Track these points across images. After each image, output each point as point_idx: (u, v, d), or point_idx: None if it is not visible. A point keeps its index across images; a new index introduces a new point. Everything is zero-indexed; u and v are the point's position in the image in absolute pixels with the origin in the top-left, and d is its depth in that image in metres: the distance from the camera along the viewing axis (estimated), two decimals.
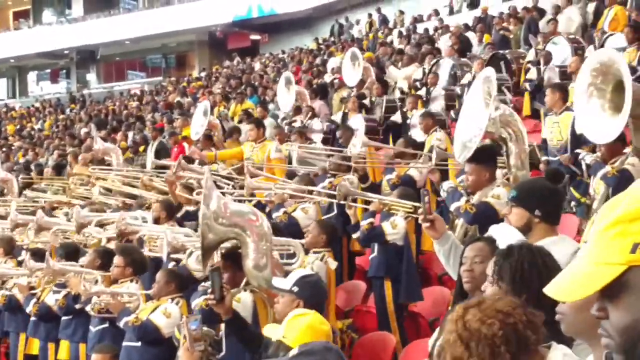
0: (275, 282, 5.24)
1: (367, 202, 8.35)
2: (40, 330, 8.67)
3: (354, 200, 8.42)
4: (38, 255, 8.92)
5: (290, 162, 11.71)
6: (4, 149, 25.45)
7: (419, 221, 5.40)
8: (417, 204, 7.54)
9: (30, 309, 8.52)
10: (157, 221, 8.88)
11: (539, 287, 3.15)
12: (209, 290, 5.59)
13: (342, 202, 8.32)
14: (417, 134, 11.93)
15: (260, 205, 9.31)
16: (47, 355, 8.64)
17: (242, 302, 5.98)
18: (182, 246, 7.40)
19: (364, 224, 8.01)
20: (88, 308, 7.45)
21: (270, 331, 4.80)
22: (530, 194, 4.55)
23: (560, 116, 9.41)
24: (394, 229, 7.88)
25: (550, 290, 1.83)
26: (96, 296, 7.40)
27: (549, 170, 5.54)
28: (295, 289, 4.92)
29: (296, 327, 3.84)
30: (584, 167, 8.39)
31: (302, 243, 7.35)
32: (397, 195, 7.99)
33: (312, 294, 4.89)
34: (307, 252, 7.44)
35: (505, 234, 4.12)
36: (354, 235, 8.33)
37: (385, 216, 8.17)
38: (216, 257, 6.56)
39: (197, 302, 6.13)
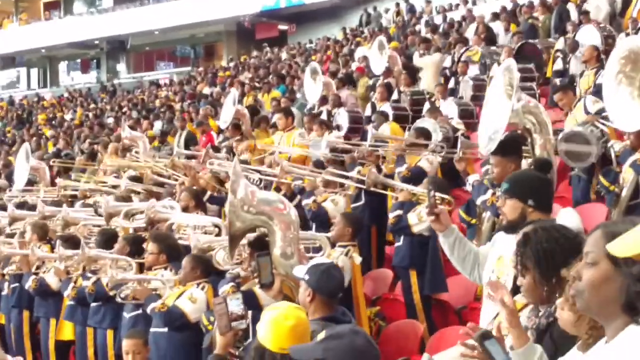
0: (295, 270, 5.18)
1: None
2: (77, 314, 8.69)
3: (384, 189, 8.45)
4: (70, 242, 9.01)
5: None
6: (35, 138, 25.64)
7: (426, 214, 5.50)
8: (444, 196, 7.54)
9: (68, 292, 8.53)
10: (185, 210, 8.93)
11: (564, 261, 3.28)
12: (255, 275, 5.57)
13: (371, 189, 8.36)
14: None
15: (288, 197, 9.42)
16: (85, 340, 8.66)
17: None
18: (208, 247, 7.45)
19: (391, 216, 8.04)
20: (122, 295, 7.53)
21: None
22: (523, 185, 4.69)
23: (574, 109, 9.45)
24: (420, 220, 7.86)
25: (615, 247, 1.92)
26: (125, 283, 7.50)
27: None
28: (307, 277, 4.87)
29: (263, 320, 3.85)
30: (612, 155, 8.38)
31: (327, 237, 7.39)
32: (426, 185, 7.96)
33: (320, 282, 4.81)
34: (333, 245, 7.47)
35: (567, 219, 4.24)
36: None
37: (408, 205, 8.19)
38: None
39: (225, 288, 6.17)
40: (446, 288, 8.05)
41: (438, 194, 7.23)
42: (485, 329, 2.80)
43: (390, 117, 12.88)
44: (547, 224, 3.70)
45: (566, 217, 4.87)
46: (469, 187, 7.07)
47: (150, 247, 7.66)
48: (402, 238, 8.17)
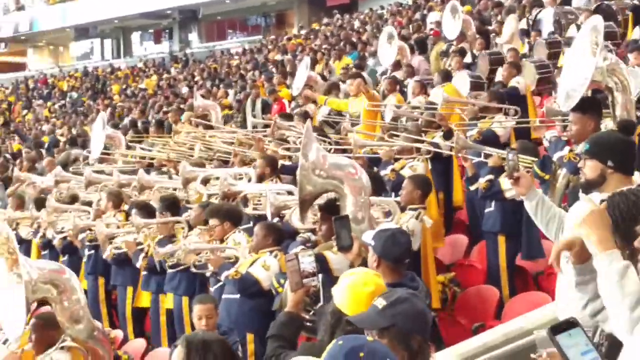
0: (364, 236, 5.17)
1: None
2: (152, 283, 8.83)
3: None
4: (145, 210, 9.10)
5: (382, 118, 11.55)
6: (109, 109, 25.99)
7: (505, 177, 5.36)
8: (533, 159, 7.38)
9: (140, 263, 8.69)
10: (261, 177, 8.92)
11: None
12: (333, 238, 5.56)
13: (459, 155, 8.24)
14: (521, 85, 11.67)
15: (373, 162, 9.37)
16: (158, 306, 8.83)
17: (340, 254, 5.93)
18: (284, 205, 7.42)
19: (482, 181, 7.93)
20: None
21: None
22: (602, 146, 4.66)
23: None
24: None
25: None
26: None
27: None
28: (373, 242, 4.88)
29: (340, 286, 3.79)
30: None
31: (397, 201, 7.31)
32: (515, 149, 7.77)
33: (385, 248, 4.81)
34: (403, 209, 7.40)
35: None
36: (471, 187, 8.24)
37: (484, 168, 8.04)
38: None
39: (295, 251, 6.16)
40: (542, 253, 7.81)
41: (523, 156, 7.08)
42: (559, 322, 2.65)
43: (468, 85, 12.65)
44: (625, 190, 3.60)
45: None
46: (545, 143, 6.92)
47: (211, 222, 7.71)
48: (493, 203, 8.02)
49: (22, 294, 4.91)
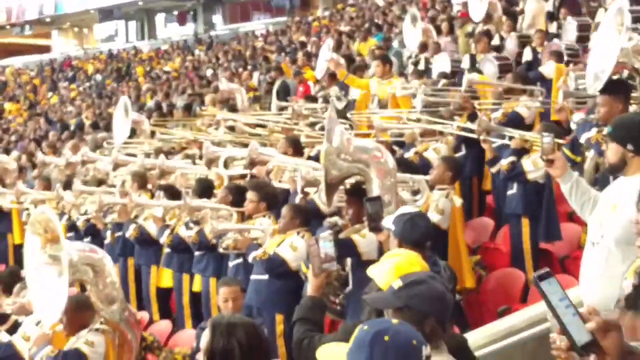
0: (385, 220, 5.17)
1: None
2: (174, 261, 8.88)
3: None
4: (170, 192, 9.15)
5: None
6: (134, 91, 26.02)
7: (541, 158, 5.36)
8: (561, 141, 7.33)
9: (164, 239, 8.71)
10: None
11: None
12: (365, 219, 5.57)
13: (480, 137, 8.19)
14: (547, 69, 11.55)
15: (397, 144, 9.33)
16: (181, 286, 8.88)
17: (367, 238, 5.97)
18: (315, 180, 7.41)
19: (504, 163, 7.86)
20: (224, 245, 7.60)
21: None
22: (623, 129, 4.65)
23: None
24: (535, 167, 7.60)
25: None
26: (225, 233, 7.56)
27: None
28: (393, 226, 4.88)
29: (383, 267, 3.79)
30: None
31: (426, 179, 7.30)
32: (540, 130, 7.73)
33: (404, 232, 4.82)
34: (431, 188, 7.38)
35: None
36: (492, 170, 8.20)
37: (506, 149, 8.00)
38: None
39: (322, 235, 6.17)
40: (560, 236, 7.81)
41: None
42: (540, 271, 2.72)
43: (495, 68, 12.54)
44: None
45: None
46: (573, 126, 6.86)
47: (249, 195, 7.69)
48: (515, 185, 7.94)
49: (53, 274, 4.97)
